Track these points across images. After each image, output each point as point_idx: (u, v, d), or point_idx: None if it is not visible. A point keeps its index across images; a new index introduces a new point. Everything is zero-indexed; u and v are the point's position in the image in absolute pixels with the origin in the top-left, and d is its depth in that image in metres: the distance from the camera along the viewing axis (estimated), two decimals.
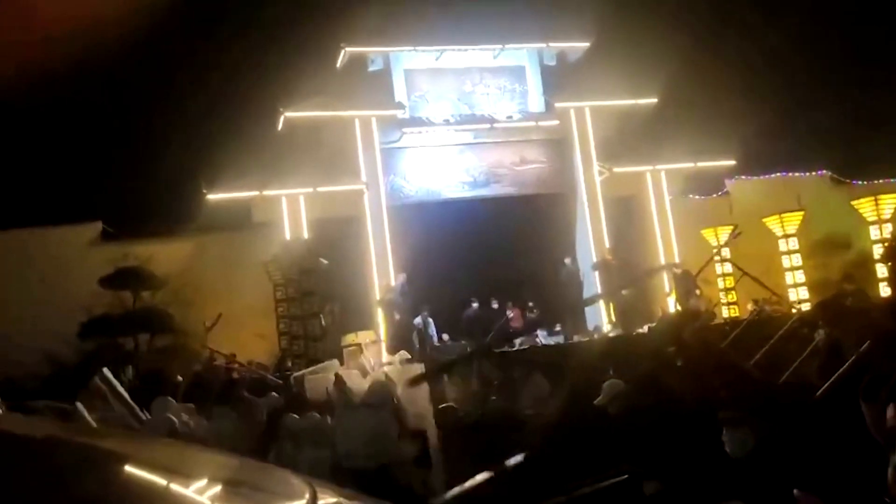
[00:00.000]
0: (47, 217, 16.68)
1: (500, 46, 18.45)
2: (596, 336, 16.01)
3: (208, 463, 1.92)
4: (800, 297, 18.45)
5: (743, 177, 20.01)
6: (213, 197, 16.63)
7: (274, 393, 9.34)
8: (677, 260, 18.10)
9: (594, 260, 17.86)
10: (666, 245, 18.81)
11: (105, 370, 7.03)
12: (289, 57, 18.45)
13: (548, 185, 19.09)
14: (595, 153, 18.79)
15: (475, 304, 17.26)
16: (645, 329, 15.05)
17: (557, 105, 18.66)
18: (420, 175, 18.30)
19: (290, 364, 14.97)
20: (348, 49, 17.60)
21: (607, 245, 18.03)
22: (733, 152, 19.13)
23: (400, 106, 17.93)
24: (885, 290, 17.28)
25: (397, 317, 15.80)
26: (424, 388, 8.96)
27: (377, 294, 16.63)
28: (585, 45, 18.88)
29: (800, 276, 18.73)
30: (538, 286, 17.92)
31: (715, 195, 19.90)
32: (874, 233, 18.73)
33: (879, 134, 19.30)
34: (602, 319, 17.35)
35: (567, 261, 17.82)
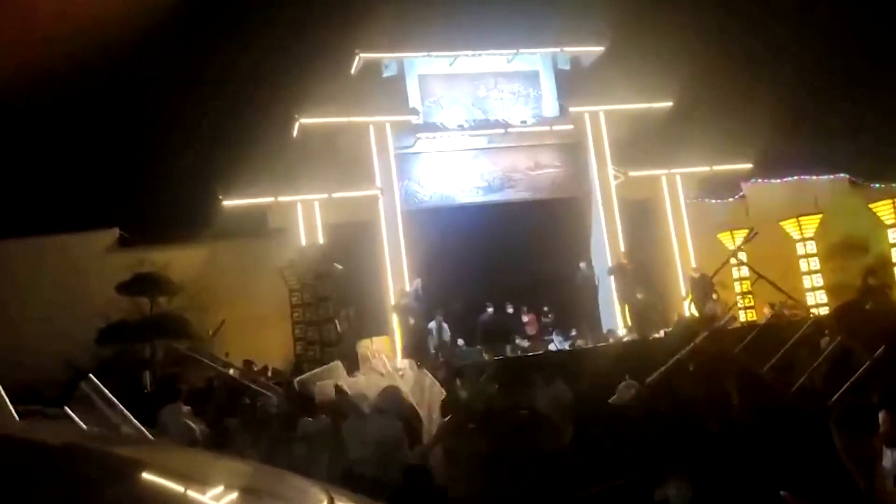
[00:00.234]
0: (65, 224, 16.83)
1: (514, 51, 18.45)
2: (611, 340, 15.95)
3: (226, 470, 1.92)
4: (818, 300, 18.30)
5: (759, 180, 19.87)
6: (228, 203, 16.71)
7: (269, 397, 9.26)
8: (693, 264, 18.01)
9: (609, 264, 17.79)
10: (682, 249, 18.71)
11: (91, 376, 7.06)
12: (304, 64, 18.54)
13: (562, 190, 19.05)
14: (610, 157, 18.73)
15: (490, 309, 17.24)
16: (661, 334, 14.99)
17: (572, 109, 18.62)
18: (434, 180, 18.31)
19: (305, 369, 14.99)
20: (363, 55, 17.66)
21: (622, 249, 17.96)
22: (749, 155, 19.01)
23: (414, 111, 17.95)
24: None
25: (412, 322, 15.80)
26: (438, 396, 8.94)
27: (392, 299, 16.64)
28: (600, 49, 18.84)
29: (818, 280, 18.58)
30: (553, 290, 17.87)
31: (731, 198, 19.78)
32: (892, 236, 18.54)
33: None
34: (617, 323, 17.28)
35: (582, 265, 17.77)
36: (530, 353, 15.37)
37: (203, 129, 20.36)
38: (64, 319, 14.92)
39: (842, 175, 20.48)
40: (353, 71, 17.93)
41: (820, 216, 18.65)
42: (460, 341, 16.50)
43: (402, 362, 13.81)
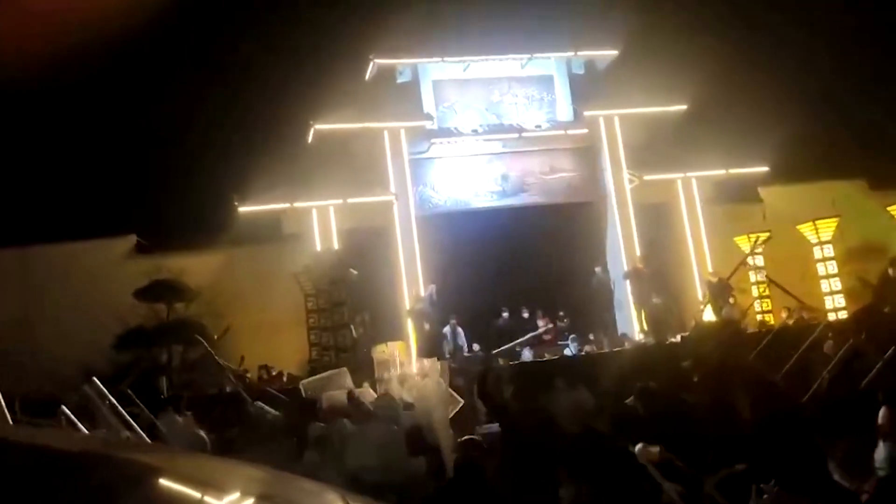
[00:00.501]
0: (84, 231, 16.98)
1: (528, 56, 18.44)
2: (627, 345, 15.88)
3: (241, 476, 1.92)
4: (835, 304, 18.15)
5: (776, 183, 19.73)
6: (244, 209, 16.79)
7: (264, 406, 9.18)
8: (710, 268, 17.92)
9: (625, 268, 17.73)
10: (698, 253, 18.60)
11: (95, 380, 7.10)
12: (318, 70, 18.62)
13: (577, 194, 19.00)
14: (625, 161, 18.67)
15: (505, 314, 17.21)
16: (677, 338, 14.90)
17: (586, 113, 18.59)
18: (449, 185, 18.32)
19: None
20: (377, 61, 17.72)
21: (638, 253, 17.89)
22: (766, 158, 18.89)
23: (428, 117, 17.98)
24: None
25: (427, 327, 15.81)
26: (441, 402, 8.90)
27: (407, 304, 16.66)
28: (614, 52, 18.81)
29: (835, 284, 18.42)
30: (568, 295, 17.82)
31: (748, 202, 19.65)
32: None
33: None
34: (633, 328, 17.21)
35: (597, 269, 17.71)
36: (546, 358, 15.33)
37: (219, 135, 20.47)
38: (82, 325, 15.05)
39: (859, 178, 20.32)
40: (367, 77, 17.99)
41: (837, 219, 18.49)
42: (476, 346, 16.49)
43: (425, 363, 13.81)
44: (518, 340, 16.26)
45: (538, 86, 18.95)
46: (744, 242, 18.31)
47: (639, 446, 5.46)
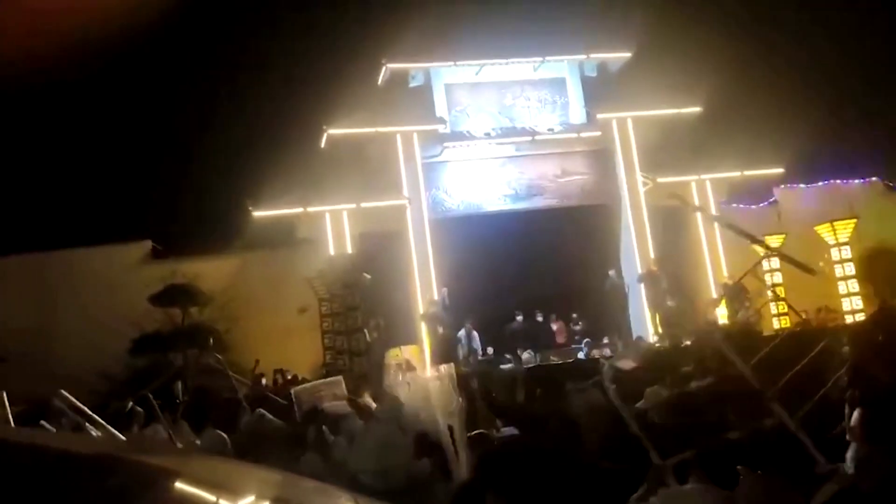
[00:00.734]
0: (99, 236, 17.11)
1: (541, 59, 18.41)
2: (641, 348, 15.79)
3: (255, 478, 1.92)
4: (853, 306, 18.00)
5: (792, 185, 19.61)
6: (258, 214, 16.85)
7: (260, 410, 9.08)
8: (724, 271, 17.82)
9: (639, 271, 17.65)
10: (713, 255, 18.50)
11: (63, 392, 7.12)
12: (331, 75, 18.72)
13: (591, 197, 18.95)
14: (638, 163, 18.61)
15: (519, 318, 17.18)
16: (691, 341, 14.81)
17: (599, 116, 18.54)
18: (462, 189, 18.32)
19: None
20: (389, 65, 17.75)
21: (652, 256, 17.81)
22: (781, 160, 18.77)
23: (441, 120, 18.00)
24: None
25: (441, 331, 15.80)
26: (445, 399, 8.82)
27: (420, 308, 16.65)
28: (626, 55, 18.75)
29: (853, 286, 18.27)
30: (583, 298, 17.76)
31: (763, 204, 19.53)
32: None
33: None
34: (648, 331, 17.13)
35: (611, 272, 17.64)
36: (560, 361, 15.30)
37: (233, 141, 20.59)
38: (99, 330, 15.13)
39: (876, 179, 20.15)
40: (379, 81, 18.02)
41: (854, 221, 18.35)
42: (490, 350, 16.46)
43: (438, 368, 13.77)
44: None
45: (551, 89, 18.92)
46: (758, 245, 18.17)
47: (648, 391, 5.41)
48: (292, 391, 11.01)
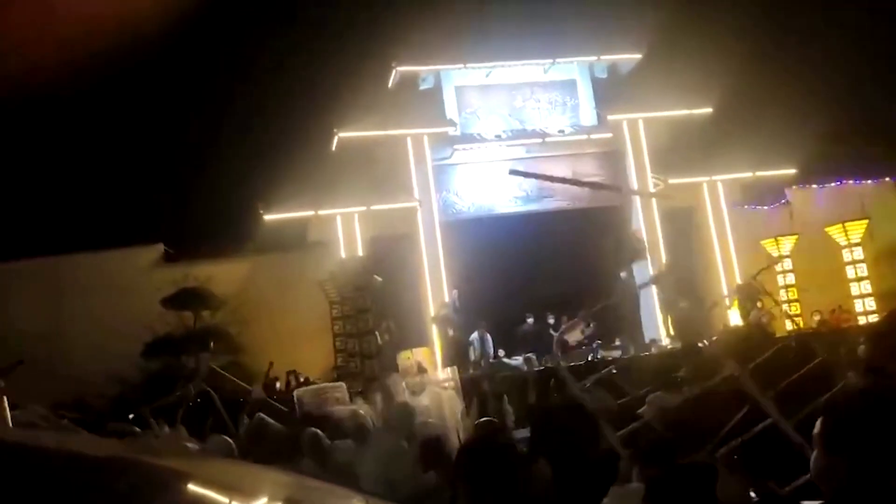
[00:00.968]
0: (111, 240, 17.20)
1: (551, 61, 18.40)
2: (654, 350, 15.75)
3: (268, 481, 1.93)
4: (866, 307, 17.89)
5: (803, 185, 19.50)
6: (269, 217, 16.91)
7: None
8: (737, 272, 17.75)
9: (651, 273, 17.58)
10: (724, 257, 18.43)
11: (35, 406, 7.15)
12: (341, 78, 18.73)
13: (601, 199, 18.88)
14: (649, 165, 18.56)
15: (530, 320, 17.14)
16: (705, 343, 14.74)
17: (610, 118, 18.51)
18: (472, 191, 18.32)
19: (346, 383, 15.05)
20: (399, 68, 17.77)
21: (664, 257, 17.75)
22: (793, 161, 18.68)
23: (451, 123, 18.00)
24: None
25: (451, 333, 15.79)
26: (454, 409, 8.80)
27: (431, 311, 16.65)
28: (637, 56, 18.71)
29: (866, 287, 18.16)
30: (594, 300, 17.68)
31: (775, 205, 19.43)
32: None
33: None
34: (660, 333, 17.06)
35: (622, 274, 17.57)
36: (571, 364, 15.22)
37: (244, 144, 20.67)
38: (112, 334, 15.21)
39: (889, 179, 20.01)
40: (390, 84, 18.05)
41: (866, 222, 18.25)
42: (501, 352, 16.43)
43: (444, 371, 13.75)
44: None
45: (561, 90, 18.90)
46: (771, 245, 18.12)
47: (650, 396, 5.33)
48: (294, 393, 11.00)
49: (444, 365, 15.66)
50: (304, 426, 7.80)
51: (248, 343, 15.57)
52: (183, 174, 20.25)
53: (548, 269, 17.03)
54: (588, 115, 18.83)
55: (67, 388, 13.04)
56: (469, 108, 18.37)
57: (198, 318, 15.87)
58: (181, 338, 15.40)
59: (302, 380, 15.59)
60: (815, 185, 19.56)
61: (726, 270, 18.22)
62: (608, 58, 18.87)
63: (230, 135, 20.76)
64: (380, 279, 16.10)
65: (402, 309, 16.64)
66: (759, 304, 16.21)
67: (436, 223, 17.51)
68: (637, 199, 18.50)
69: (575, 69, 18.95)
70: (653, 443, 4.03)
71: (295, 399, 10.54)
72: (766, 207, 19.32)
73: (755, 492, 3.88)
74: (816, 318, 16.83)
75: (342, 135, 17.35)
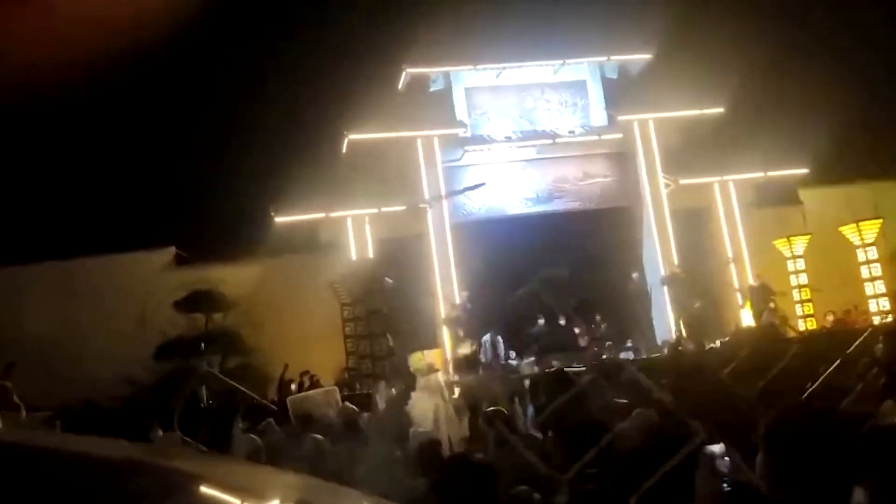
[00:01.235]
0: (123, 243, 17.28)
1: (561, 61, 18.37)
2: (666, 351, 15.67)
3: (280, 483, 1.92)
4: (880, 307, 17.77)
5: (816, 185, 19.38)
6: (280, 220, 16.95)
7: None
8: (749, 272, 17.66)
9: (662, 273, 17.53)
10: (737, 257, 18.34)
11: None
12: (352, 81, 18.77)
13: (612, 199, 18.86)
14: (660, 165, 18.50)
15: (541, 321, 17.11)
16: (717, 344, 14.71)
17: (620, 118, 18.46)
18: (483, 192, 18.30)
19: (357, 386, 15.08)
20: (410, 70, 17.79)
21: (675, 258, 17.69)
22: (806, 160, 18.58)
23: (461, 124, 18.00)
24: None
25: (461, 334, 15.78)
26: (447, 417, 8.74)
27: (442, 312, 16.65)
28: (647, 56, 18.65)
29: (880, 287, 18.03)
30: (605, 302, 17.66)
31: (787, 204, 19.33)
32: None
33: None
34: (672, 334, 16.99)
35: (634, 275, 17.54)
36: (583, 365, 15.16)
37: (255, 147, 20.73)
38: (124, 336, 15.29)
39: None
40: (400, 86, 18.06)
41: (880, 221, 18.12)
42: (512, 354, 16.41)
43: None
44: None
45: (571, 91, 18.87)
46: (783, 245, 18.03)
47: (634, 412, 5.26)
48: (287, 400, 10.91)
49: (455, 367, 15.66)
50: (299, 428, 7.80)
51: (260, 345, 15.62)
52: (194, 177, 20.32)
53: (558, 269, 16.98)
54: (598, 116, 18.79)
55: (79, 391, 13.11)
56: (479, 110, 18.36)
57: (209, 320, 15.93)
58: (193, 340, 15.46)
59: (315, 381, 15.64)
60: (827, 185, 19.44)
61: (738, 271, 18.13)
62: (618, 58, 18.81)
63: (241, 138, 20.83)
64: (391, 281, 16.11)
65: (413, 310, 16.65)
66: (771, 305, 16.15)
67: (446, 224, 17.51)
68: (649, 200, 18.43)
69: (585, 70, 18.92)
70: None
71: (288, 405, 10.46)
72: (778, 207, 19.23)
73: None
74: (830, 318, 16.73)
75: (352, 137, 17.37)
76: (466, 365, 14.71)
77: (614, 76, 18.97)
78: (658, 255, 18.00)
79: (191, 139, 20.93)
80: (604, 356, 15.60)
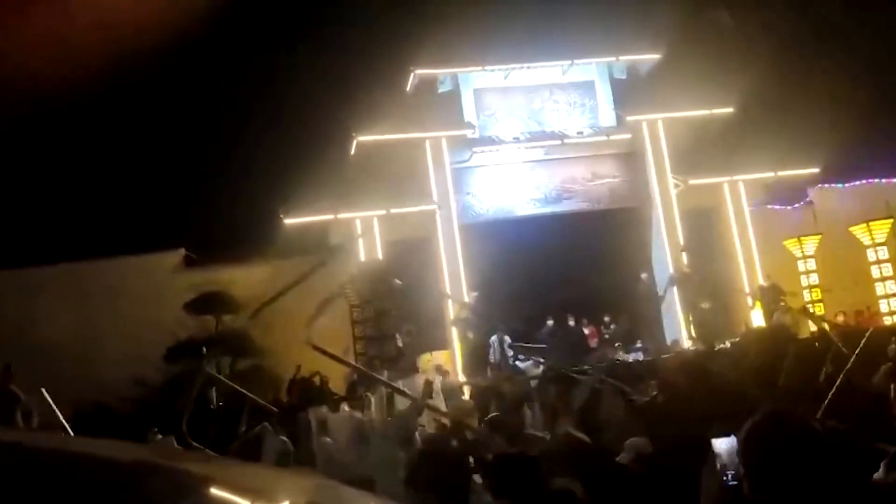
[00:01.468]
0: (133, 246, 17.35)
1: (569, 62, 18.34)
2: (676, 351, 15.62)
3: (292, 484, 1.93)
4: (891, 307, 17.67)
5: (827, 185, 19.29)
6: (290, 221, 16.98)
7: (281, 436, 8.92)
8: (760, 273, 17.58)
9: (671, 274, 17.47)
10: (747, 257, 18.27)
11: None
12: (360, 83, 18.79)
13: (621, 200, 18.82)
14: (669, 165, 18.44)
15: (550, 322, 17.09)
16: (727, 344, 14.64)
17: (629, 118, 18.42)
18: (491, 193, 18.30)
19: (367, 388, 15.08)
20: (418, 72, 17.79)
21: (684, 259, 17.63)
22: (816, 160, 18.49)
23: (470, 125, 18.00)
24: None
25: (471, 336, 15.78)
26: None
27: (451, 313, 16.64)
28: (656, 56, 18.60)
29: (891, 287, 17.93)
30: (614, 302, 17.63)
31: (797, 205, 19.24)
32: None
33: None
34: (682, 334, 16.95)
35: (643, 276, 17.49)
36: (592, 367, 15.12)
37: (264, 149, 20.79)
38: (134, 339, 15.35)
39: None
40: (408, 88, 18.07)
41: (891, 221, 18.02)
42: (520, 355, 16.37)
43: (464, 378, 13.74)
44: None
45: (580, 92, 18.84)
46: (793, 246, 17.95)
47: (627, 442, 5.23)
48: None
49: (465, 368, 15.68)
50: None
51: (270, 347, 15.64)
52: (204, 179, 20.40)
53: (568, 270, 16.97)
54: (607, 116, 18.75)
55: (92, 392, 13.18)
56: (487, 111, 18.35)
57: (219, 322, 15.97)
58: (203, 341, 15.50)
59: (325, 382, 15.64)
60: (838, 184, 19.34)
61: (749, 271, 18.06)
62: (627, 58, 18.77)
63: (250, 140, 20.89)
64: (399, 282, 16.12)
65: (422, 312, 16.65)
66: (781, 305, 16.07)
67: (455, 226, 17.51)
68: (658, 200, 18.38)
69: (593, 70, 18.89)
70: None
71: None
72: (788, 207, 19.15)
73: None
74: (840, 318, 16.63)
75: (361, 139, 17.39)
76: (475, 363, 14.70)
77: (623, 76, 18.93)
78: (667, 255, 17.96)
79: (200, 141, 21.00)
80: (617, 357, 15.55)
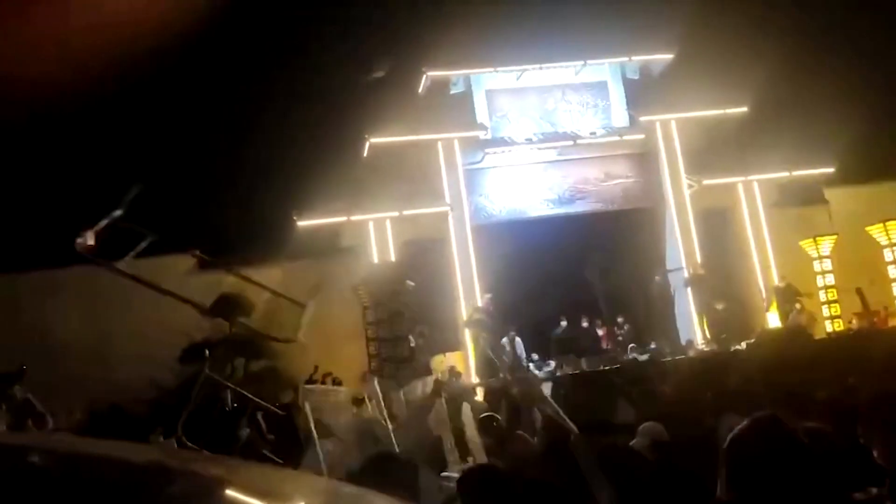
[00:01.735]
0: (147, 248, 17.40)
1: (582, 63, 18.30)
2: (691, 353, 15.56)
3: (307, 486, 1.92)
4: None
5: (843, 184, 19.13)
6: (303, 223, 17.03)
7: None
8: (775, 273, 17.48)
9: (686, 275, 17.40)
10: (762, 258, 18.17)
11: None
12: (372, 85, 18.80)
13: (634, 200, 18.76)
14: (683, 166, 18.37)
15: (564, 323, 17.04)
16: (742, 345, 14.57)
17: (642, 119, 18.36)
18: (504, 194, 18.28)
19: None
20: (430, 73, 17.80)
21: (699, 259, 17.55)
22: (831, 159, 18.36)
23: (482, 127, 17.99)
24: None
25: (484, 337, 15.75)
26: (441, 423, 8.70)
27: (464, 315, 16.64)
28: (669, 56, 18.53)
29: None
30: (628, 303, 17.57)
31: (813, 204, 19.09)
32: None
33: None
34: (696, 335, 16.87)
35: (657, 276, 17.42)
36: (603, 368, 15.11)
37: (277, 151, 20.83)
38: (149, 339, 15.42)
39: None
40: (420, 89, 18.08)
41: None
42: (534, 356, 16.36)
43: (477, 379, 13.72)
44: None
45: (592, 92, 18.80)
46: (809, 246, 17.82)
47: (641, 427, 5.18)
48: (301, 386, 10.97)
49: (477, 369, 15.67)
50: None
51: (284, 348, 15.66)
52: (217, 182, 20.47)
53: (581, 271, 16.93)
54: (620, 117, 18.70)
55: (106, 394, 13.26)
56: (500, 112, 18.34)
57: (233, 324, 15.99)
58: (217, 343, 15.54)
59: (338, 383, 15.66)
60: (854, 184, 19.18)
61: (763, 272, 17.95)
62: (639, 58, 18.71)
63: (262, 142, 20.94)
64: (412, 284, 16.13)
65: (435, 313, 16.66)
66: (797, 306, 15.98)
67: (467, 227, 17.50)
68: (672, 200, 18.31)
69: (606, 70, 18.84)
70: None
71: (299, 390, 10.44)
72: (803, 207, 19.01)
73: None
74: (856, 319, 16.52)
75: (373, 140, 17.42)
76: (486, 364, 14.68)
77: (636, 77, 18.87)
78: (681, 255, 17.88)
79: (213, 144, 21.08)
80: (631, 357, 15.49)
